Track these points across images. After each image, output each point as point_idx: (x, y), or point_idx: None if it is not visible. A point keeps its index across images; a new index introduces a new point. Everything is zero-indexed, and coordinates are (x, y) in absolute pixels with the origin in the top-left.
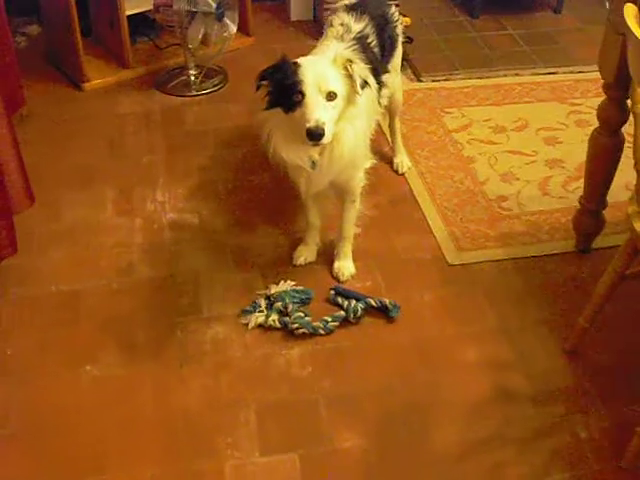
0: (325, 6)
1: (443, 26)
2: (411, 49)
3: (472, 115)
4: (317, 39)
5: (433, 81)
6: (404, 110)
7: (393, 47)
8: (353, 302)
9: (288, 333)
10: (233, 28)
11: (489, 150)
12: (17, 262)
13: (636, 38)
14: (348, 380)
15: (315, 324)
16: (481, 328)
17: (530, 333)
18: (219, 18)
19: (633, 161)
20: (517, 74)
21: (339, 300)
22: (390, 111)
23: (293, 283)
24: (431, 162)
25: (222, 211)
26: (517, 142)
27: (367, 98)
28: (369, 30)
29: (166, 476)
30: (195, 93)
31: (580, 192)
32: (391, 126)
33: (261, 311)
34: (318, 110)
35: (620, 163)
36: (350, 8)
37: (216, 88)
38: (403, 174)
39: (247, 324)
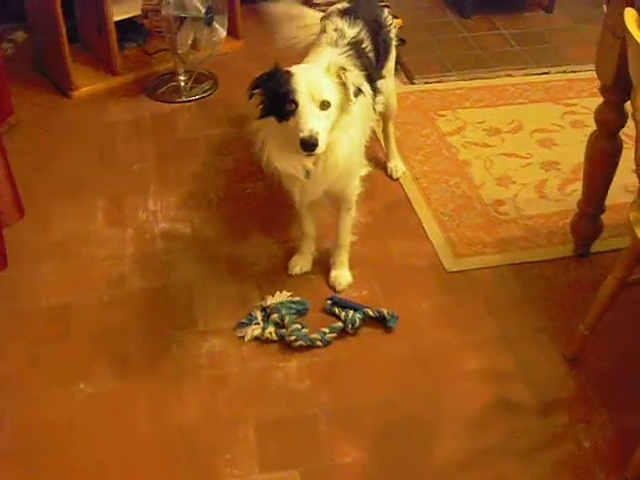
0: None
1: (434, 27)
2: (403, 51)
3: (466, 117)
4: None
5: (426, 83)
6: (397, 113)
7: (387, 51)
8: (350, 312)
9: (285, 345)
10: (223, 32)
11: (484, 153)
12: (7, 275)
13: (637, 43)
14: (347, 393)
15: (312, 336)
16: (481, 337)
17: (530, 341)
18: (208, 23)
19: (632, 163)
20: (510, 75)
21: (336, 310)
22: (384, 116)
23: (289, 294)
24: (426, 166)
25: (215, 220)
26: (512, 144)
27: (361, 105)
28: (363, 35)
29: None
30: (185, 99)
31: (577, 195)
32: (385, 131)
33: (257, 323)
34: (312, 120)
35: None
36: (343, 13)
37: (206, 93)
38: (398, 179)
39: (243, 337)
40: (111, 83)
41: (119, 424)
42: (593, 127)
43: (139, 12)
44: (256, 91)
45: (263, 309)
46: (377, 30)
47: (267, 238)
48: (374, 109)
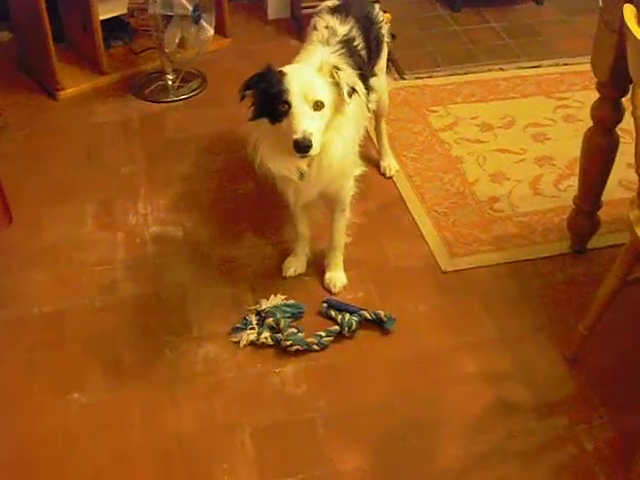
0: (302, 4)
1: (424, 21)
2: (393, 46)
3: (458, 113)
4: (295, 38)
5: (416, 78)
6: (389, 110)
7: (379, 48)
8: (347, 315)
9: (281, 350)
10: (210, 31)
11: (477, 149)
12: None
13: (636, 39)
14: (345, 398)
15: (308, 340)
16: (479, 337)
17: (529, 341)
18: (196, 21)
19: (627, 157)
20: (501, 68)
21: (332, 313)
22: (376, 113)
23: (284, 297)
24: (419, 164)
25: (206, 222)
26: (505, 140)
27: (355, 105)
28: (355, 32)
29: None
30: (173, 98)
31: (572, 190)
32: (377, 128)
33: (252, 328)
34: (305, 121)
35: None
36: (334, 10)
37: (195, 92)
38: (391, 177)
39: (238, 342)
40: (98, 83)
41: (114, 433)
42: (586, 121)
43: (125, 11)
44: (248, 92)
45: (258, 313)
46: (368, 27)
47: (260, 239)
48: (368, 108)
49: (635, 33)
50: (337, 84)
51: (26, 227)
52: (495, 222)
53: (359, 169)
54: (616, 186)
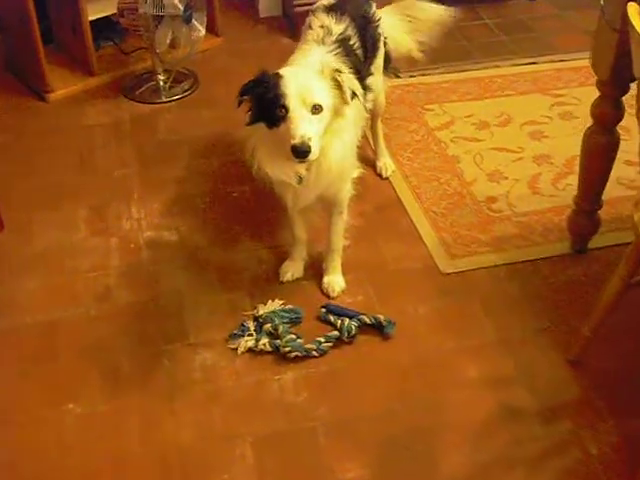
0: (294, 2)
1: None
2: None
3: (453, 111)
4: (288, 36)
5: (411, 76)
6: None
7: (375, 47)
8: (346, 320)
9: (279, 357)
10: (202, 30)
11: (474, 148)
12: None
13: None
14: (345, 405)
15: (308, 346)
16: (480, 341)
17: (531, 343)
18: (187, 20)
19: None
20: (496, 65)
21: (331, 318)
22: (373, 113)
23: (281, 302)
24: (415, 163)
25: (202, 226)
26: (502, 138)
27: (354, 107)
28: (351, 31)
29: None
30: (165, 99)
31: (571, 189)
32: (373, 128)
33: (250, 334)
34: (303, 125)
35: None
36: (329, 9)
37: (187, 93)
38: (387, 178)
39: (236, 349)
40: (88, 84)
41: (111, 444)
42: (583, 118)
43: (115, 11)
44: (245, 97)
45: (255, 319)
46: (364, 26)
47: (256, 243)
48: (365, 108)
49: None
50: (337, 87)
51: (16, 233)
52: (494, 222)
53: (357, 171)
54: (615, 184)
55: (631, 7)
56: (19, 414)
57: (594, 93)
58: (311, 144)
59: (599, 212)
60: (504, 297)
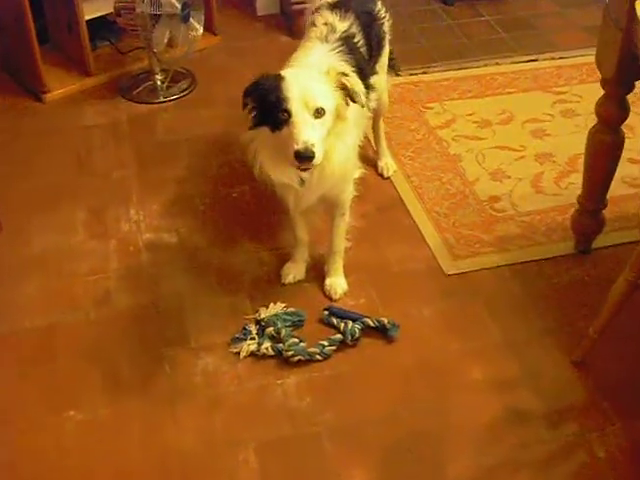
0: None
1: (417, 15)
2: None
3: (455, 109)
4: (286, 34)
5: (411, 74)
6: None
7: (380, 46)
8: (350, 323)
9: (282, 361)
10: (199, 29)
11: (476, 147)
12: None
13: None
14: (350, 409)
15: (311, 350)
16: (485, 343)
17: (535, 345)
18: (185, 19)
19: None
20: (497, 63)
21: (334, 321)
22: (375, 112)
23: (283, 305)
24: (417, 163)
25: (201, 228)
26: (504, 137)
27: (356, 108)
28: (355, 29)
29: None
30: (163, 99)
31: (574, 188)
32: (375, 128)
33: (252, 338)
34: (306, 130)
35: None
36: (333, 6)
37: (185, 92)
38: (389, 178)
39: (238, 353)
40: (84, 84)
41: (112, 451)
42: (585, 116)
43: (111, 10)
44: (248, 99)
45: (257, 322)
46: (370, 23)
47: (257, 245)
48: (368, 107)
49: None
50: (340, 89)
51: (14, 236)
52: (497, 222)
53: (359, 171)
54: (619, 182)
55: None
56: (18, 420)
57: (595, 90)
58: (315, 150)
59: (603, 211)
60: (508, 298)
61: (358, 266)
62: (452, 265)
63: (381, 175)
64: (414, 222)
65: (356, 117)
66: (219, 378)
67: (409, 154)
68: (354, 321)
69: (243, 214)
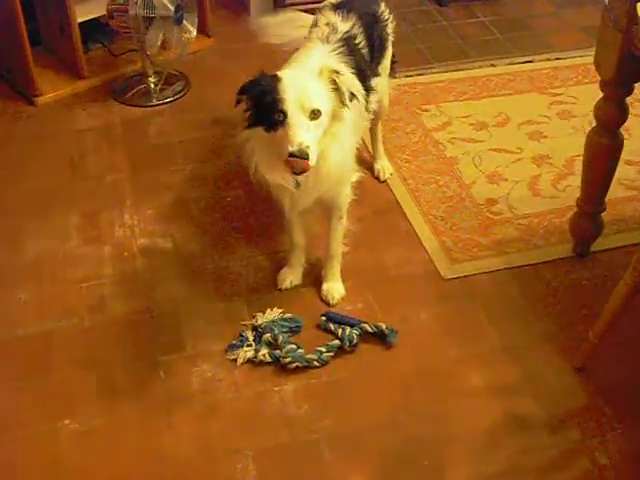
0: (286, 1)
1: (411, 16)
2: None
3: (450, 112)
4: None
5: (406, 76)
6: None
7: (383, 48)
8: (347, 329)
9: (280, 368)
10: (193, 31)
11: (472, 149)
12: None
13: None
14: (349, 416)
15: (308, 356)
16: (483, 347)
17: (534, 350)
18: (178, 22)
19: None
20: (492, 64)
21: (331, 327)
22: (375, 115)
23: (280, 310)
24: (413, 166)
25: (197, 233)
26: (500, 139)
27: (354, 109)
28: (357, 30)
29: None
30: (156, 102)
31: (572, 190)
32: (372, 131)
33: (249, 345)
34: (301, 132)
35: None
36: (337, 7)
37: (179, 95)
38: (385, 181)
39: (235, 360)
40: (77, 87)
41: (109, 460)
42: (581, 117)
43: (104, 12)
44: (243, 97)
45: (254, 328)
46: (372, 25)
47: (253, 250)
48: (368, 109)
49: None
50: (336, 90)
51: (8, 241)
52: (494, 225)
53: (356, 174)
54: (616, 185)
55: None
56: (13, 430)
57: (591, 91)
58: (309, 152)
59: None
60: (506, 302)
61: (355, 271)
62: (449, 269)
63: (377, 178)
64: (411, 225)
65: (355, 120)
66: (216, 385)
67: (405, 157)
68: (352, 327)
69: (239, 218)
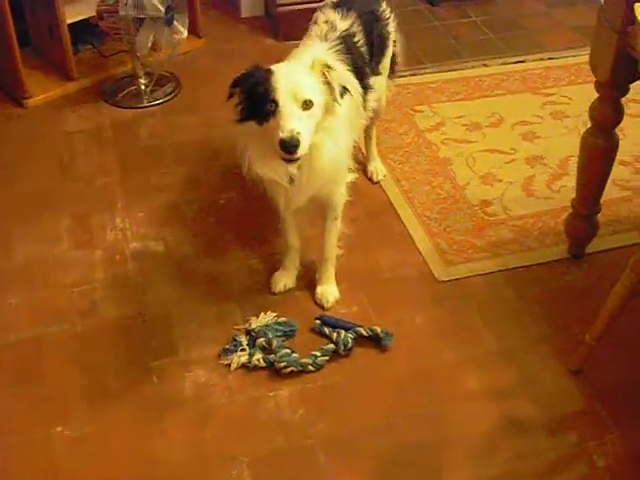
0: (277, 1)
1: (403, 16)
2: None
3: (443, 112)
4: (271, 36)
5: (399, 77)
6: None
7: (384, 46)
8: (342, 333)
9: (274, 372)
10: (184, 32)
11: (466, 150)
12: None
13: None
14: (344, 420)
15: (303, 361)
16: (479, 351)
17: (531, 352)
18: (169, 22)
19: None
20: (485, 64)
21: (326, 331)
22: (373, 115)
23: (274, 314)
24: (406, 167)
25: (189, 235)
26: (494, 139)
27: (349, 106)
28: (356, 28)
29: None
30: (147, 103)
31: (566, 191)
32: (367, 131)
33: (243, 349)
34: (292, 120)
35: None
36: (337, 5)
37: (169, 96)
38: (378, 182)
39: (229, 365)
40: (67, 89)
41: (101, 466)
42: (574, 117)
43: (93, 13)
44: (235, 89)
45: (248, 333)
46: (372, 23)
47: (246, 253)
48: (365, 107)
49: None
50: (328, 83)
51: None
52: (489, 227)
53: (351, 175)
54: (610, 185)
55: (638, 7)
56: (4, 437)
57: (584, 91)
58: (300, 138)
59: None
60: (501, 305)
61: (349, 273)
62: (444, 271)
63: (370, 180)
64: (405, 227)
65: (352, 117)
66: (209, 390)
67: (398, 158)
68: (347, 330)
69: (231, 221)
